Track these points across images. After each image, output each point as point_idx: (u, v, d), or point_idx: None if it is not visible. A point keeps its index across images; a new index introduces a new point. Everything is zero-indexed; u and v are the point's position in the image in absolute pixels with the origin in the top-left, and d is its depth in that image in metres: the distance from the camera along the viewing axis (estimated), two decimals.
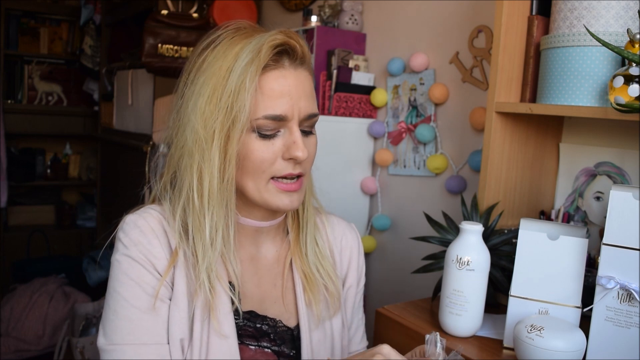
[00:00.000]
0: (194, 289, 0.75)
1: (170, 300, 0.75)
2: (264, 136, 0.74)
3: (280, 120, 0.74)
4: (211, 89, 0.73)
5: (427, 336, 0.70)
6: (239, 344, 0.77)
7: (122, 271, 0.75)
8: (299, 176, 0.78)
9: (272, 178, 0.76)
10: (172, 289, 0.76)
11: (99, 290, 2.74)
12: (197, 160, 0.73)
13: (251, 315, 0.81)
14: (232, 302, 0.77)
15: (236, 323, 0.78)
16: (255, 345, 0.79)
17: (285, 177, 0.76)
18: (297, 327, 0.84)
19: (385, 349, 0.65)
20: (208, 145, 0.73)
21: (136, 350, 0.72)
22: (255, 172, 0.75)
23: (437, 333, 0.70)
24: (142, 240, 0.75)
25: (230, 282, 0.79)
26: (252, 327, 0.80)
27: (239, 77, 0.71)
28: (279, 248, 0.88)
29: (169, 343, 0.74)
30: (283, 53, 0.75)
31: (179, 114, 0.77)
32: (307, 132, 0.78)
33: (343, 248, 0.94)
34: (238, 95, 0.71)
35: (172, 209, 0.78)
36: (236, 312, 0.78)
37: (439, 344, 0.69)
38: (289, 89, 0.74)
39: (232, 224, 0.78)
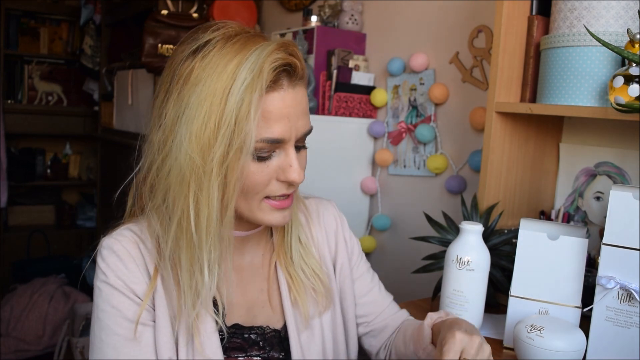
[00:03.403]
0: (176, 311, 0.74)
1: (154, 322, 0.75)
2: (260, 158, 0.71)
3: (277, 142, 0.71)
4: (206, 112, 0.66)
5: None
6: (226, 357, 0.77)
7: (103, 299, 0.74)
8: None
9: (266, 197, 0.74)
10: (154, 312, 0.75)
11: None
12: (194, 190, 0.68)
13: (237, 329, 0.80)
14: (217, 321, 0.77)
15: (222, 338, 0.77)
16: (243, 356, 0.79)
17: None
18: (285, 327, 0.83)
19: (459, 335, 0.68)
20: (207, 177, 0.68)
21: None
22: (249, 194, 0.73)
23: None
24: (120, 265, 0.74)
25: (214, 297, 0.78)
26: (239, 338, 0.79)
27: (239, 103, 0.66)
28: (264, 251, 0.87)
29: None
30: (282, 71, 0.70)
31: (164, 132, 0.70)
32: (299, 147, 0.76)
33: (327, 230, 0.92)
34: (242, 125, 0.66)
35: (158, 236, 0.75)
36: (222, 329, 0.77)
37: None
38: (287, 111, 0.71)
39: (231, 257, 0.76)
